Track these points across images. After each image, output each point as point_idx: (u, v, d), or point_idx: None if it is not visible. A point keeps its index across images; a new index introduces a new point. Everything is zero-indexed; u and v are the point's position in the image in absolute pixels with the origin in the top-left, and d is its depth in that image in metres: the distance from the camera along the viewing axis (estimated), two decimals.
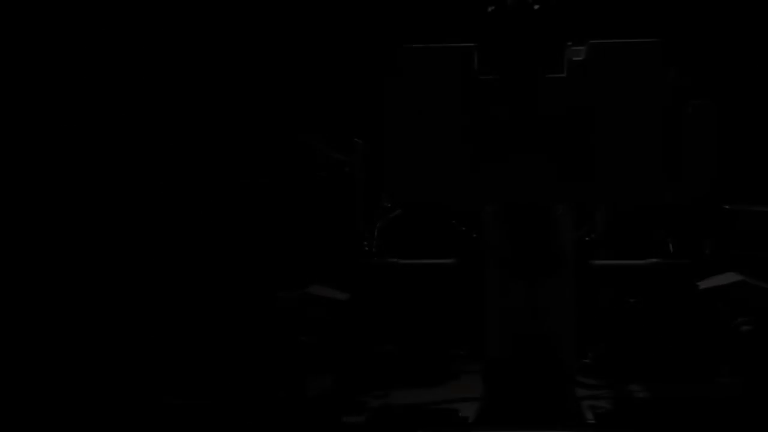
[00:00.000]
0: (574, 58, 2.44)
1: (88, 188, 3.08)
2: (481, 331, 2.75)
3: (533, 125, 2.43)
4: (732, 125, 2.92)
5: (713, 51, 3.36)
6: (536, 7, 2.33)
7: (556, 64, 2.41)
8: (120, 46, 3.09)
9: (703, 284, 2.48)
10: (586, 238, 2.80)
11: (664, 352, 2.52)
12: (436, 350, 2.61)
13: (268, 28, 2.96)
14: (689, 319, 2.48)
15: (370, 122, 2.55)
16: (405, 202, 2.61)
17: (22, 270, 3.02)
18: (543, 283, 2.69)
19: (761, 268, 2.77)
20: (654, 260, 2.51)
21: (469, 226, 2.80)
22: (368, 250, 2.65)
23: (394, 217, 2.71)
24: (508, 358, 2.69)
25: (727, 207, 2.87)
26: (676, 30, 3.31)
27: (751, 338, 2.39)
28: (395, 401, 2.65)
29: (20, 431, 2.46)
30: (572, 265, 2.71)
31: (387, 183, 2.51)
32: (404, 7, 3.41)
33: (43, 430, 2.47)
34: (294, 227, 3.40)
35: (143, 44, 3.06)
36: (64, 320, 3.02)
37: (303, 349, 2.47)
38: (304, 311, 2.52)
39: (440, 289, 2.58)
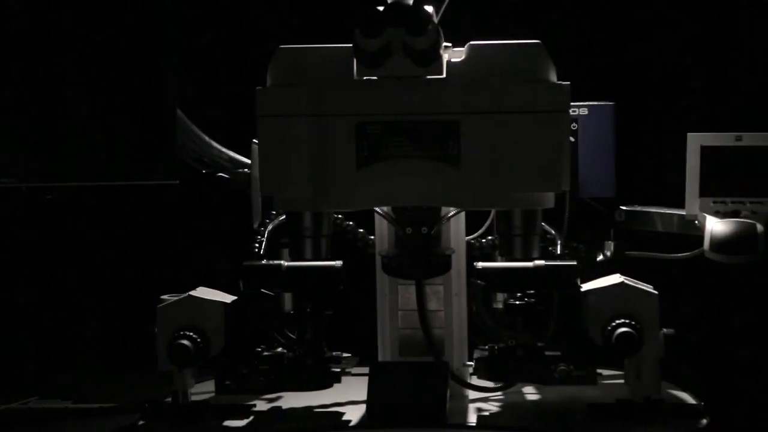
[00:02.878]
0: (454, 60, 2.43)
1: None
2: (371, 334, 2.75)
3: (411, 128, 2.42)
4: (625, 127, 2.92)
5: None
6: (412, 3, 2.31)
7: (436, 65, 2.40)
8: None
9: (586, 286, 2.47)
10: (482, 240, 2.79)
11: (550, 354, 2.50)
12: (324, 354, 2.58)
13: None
14: (575, 321, 2.46)
15: None
16: (284, 209, 2.60)
17: None
18: (432, 286, 2.70)
19: (655, 269, 2.78)
20: (541, 263, 2.48)
21: (363, 227, 2.79)
22: (257, 252, 2.63)
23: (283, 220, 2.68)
24: (396, 360, 2.69)
25: (624, 208, 2.87)
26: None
27: (629, 340, 2.38)
28: (281, 405, 2.64)
29: None
30: (463, 268, 2.70)
31: (265, 190, 2.50)
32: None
33: None
34: (190, 228, 3.40)
35: None
36: None
37: (186, 353, 2.45)
38: (187, 314, 2.50)
39: (328, 292, 2.56)
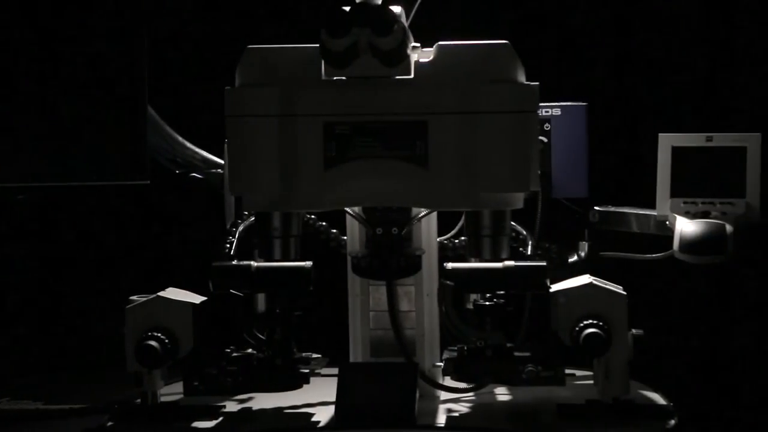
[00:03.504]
0: (422, 60, 2.43)
1: None
2: (340, 335, 2.74)
3: (379, 128, 2.42)
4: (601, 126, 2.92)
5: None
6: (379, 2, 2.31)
7: (403, 65, 2.39)
8: None
9: (555, 287, 2.46)
10: (455, 241, 2.78)
11: (519, 355, 2.49)
12: (293, 355, 2.57)
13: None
14: (544, 321, 2.46)
15: None
16: (252, 209, 2.59)
17: None
18: (404, 287, 2.69)
19: (629, 270, 2.78)
20: (510, 263, 2.47)
21: (337, 228, 2.79)
22: (227, 252, 2.62)
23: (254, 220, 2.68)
24: (366, 361, 2.68)
25: (598, 208, 2.86)
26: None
27: (597, 340, 2.37)
28: (250, 406, 2.63)
29: None
30: (434, 268, 2.70)
31: (233, 190, 2.50)
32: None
33: None
34: (162, 229, 3.40)
35: None
36: None
37: (154, 354, 2.44)
38: (156, 315, 2.49)
39: (297, 293, 2.55)
